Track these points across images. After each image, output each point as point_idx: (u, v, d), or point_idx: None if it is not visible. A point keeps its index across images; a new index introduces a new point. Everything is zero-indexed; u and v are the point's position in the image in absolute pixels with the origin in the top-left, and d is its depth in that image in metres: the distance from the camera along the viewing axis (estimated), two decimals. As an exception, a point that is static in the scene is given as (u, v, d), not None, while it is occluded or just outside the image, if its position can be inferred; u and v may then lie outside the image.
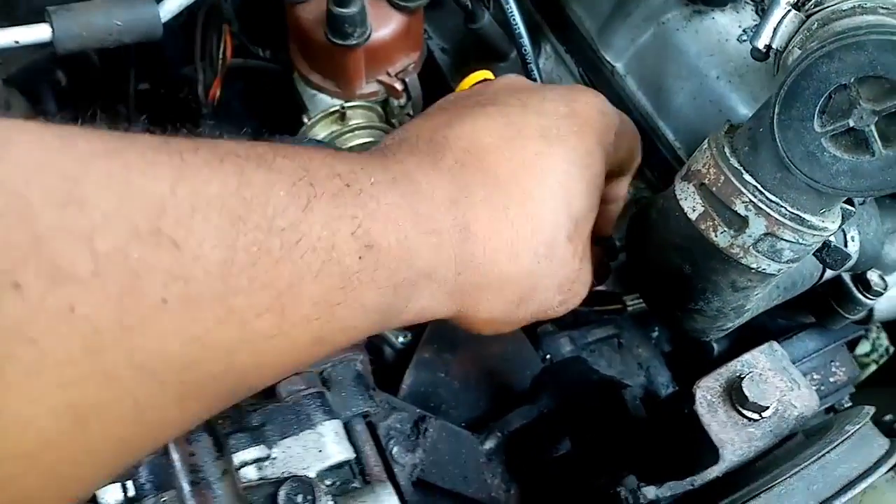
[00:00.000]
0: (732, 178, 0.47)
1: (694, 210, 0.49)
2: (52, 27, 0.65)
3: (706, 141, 0.51)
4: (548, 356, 0.88)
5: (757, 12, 0.77)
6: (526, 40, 0.69)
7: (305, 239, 0.32)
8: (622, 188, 0.64)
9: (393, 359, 0.91)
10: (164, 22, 0.70)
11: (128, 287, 0.25)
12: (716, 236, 0.49)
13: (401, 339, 0.87)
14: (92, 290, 0.24)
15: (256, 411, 0.55)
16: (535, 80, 0.71)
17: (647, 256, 0.56)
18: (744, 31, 0.75)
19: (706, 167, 0.49)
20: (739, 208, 0.47)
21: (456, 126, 0.48)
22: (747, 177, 0.46)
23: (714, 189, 0.48)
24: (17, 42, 0.65)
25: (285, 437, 0.54)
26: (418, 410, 0.71)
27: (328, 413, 0.56)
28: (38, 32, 0.66)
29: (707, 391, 0.57)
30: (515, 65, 0.93)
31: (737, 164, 0.47)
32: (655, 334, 0.95)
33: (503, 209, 0.47)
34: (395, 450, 0.66)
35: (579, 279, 0.54)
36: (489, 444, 0.72)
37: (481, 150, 0.47)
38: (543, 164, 0.48)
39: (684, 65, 0.76)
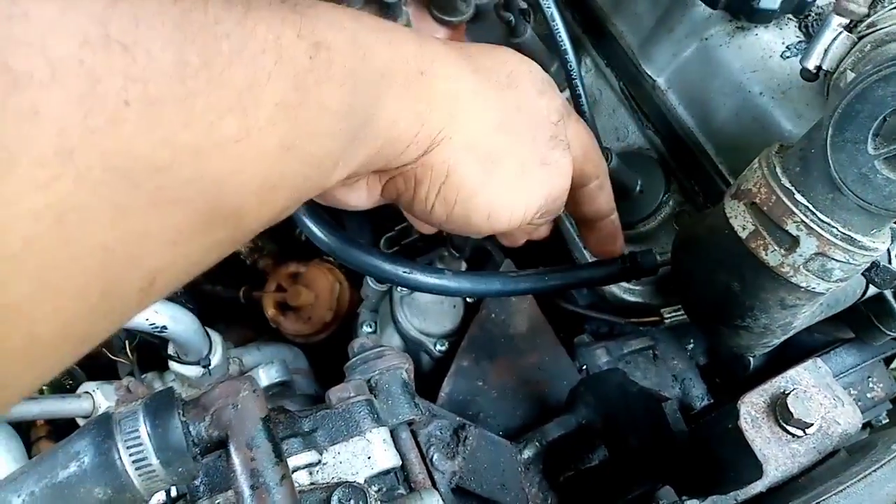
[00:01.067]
0: (784, 198, 0.47)
1: (744, 228, 0.50)
2: None
3: (757, 160, 0.52)
4: (584, 367, 0.88)
5: (800, 28, 0.77)
6: (571, 56, 0.70)
7: (252, 41, 0.32)
8: (599, 199, 0.64)
9: (431, 366, 0.92)
10: None
11: (87, 89, 0.26)
12: (766, 255, 0.49)
13: (439, 346, 0.88)
14: (53, 93, 0.25)
15: (307, 417, 0.56)
16: (579, 95, 0.72)
17: (694, 273, 0.57)
18: (787, 47, 0.75)
19: (757, 186, 0.50)
20: (791, 228, 0.47)
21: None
22: (799, 197, 0.47)
23: (765, 208, 0.49)
24: None
25: (335, 443, 0.56)
26: (458, 418, 0.72)
27: (376, 420, 0.57)
28: None
29: (751, 407, 0.57)
30: (556, 78, 0.94)
31: (788, 184, 0.47)
32: (691, 346, 0.95)
33: (464, 47, 0.51)
34: (435, 456, 0.67)
35: (557, 141, 0.54)
36: (527, 454, 0.73)
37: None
38: (520, 60, 0.54)
39: (727, 81, 0.77)
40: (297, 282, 1.04)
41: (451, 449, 0.70)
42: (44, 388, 0.98)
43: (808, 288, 0.49)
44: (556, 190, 0.55)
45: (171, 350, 0.84)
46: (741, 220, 0.51)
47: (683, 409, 0.92)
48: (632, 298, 0.87)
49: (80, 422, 0.84)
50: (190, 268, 0.34)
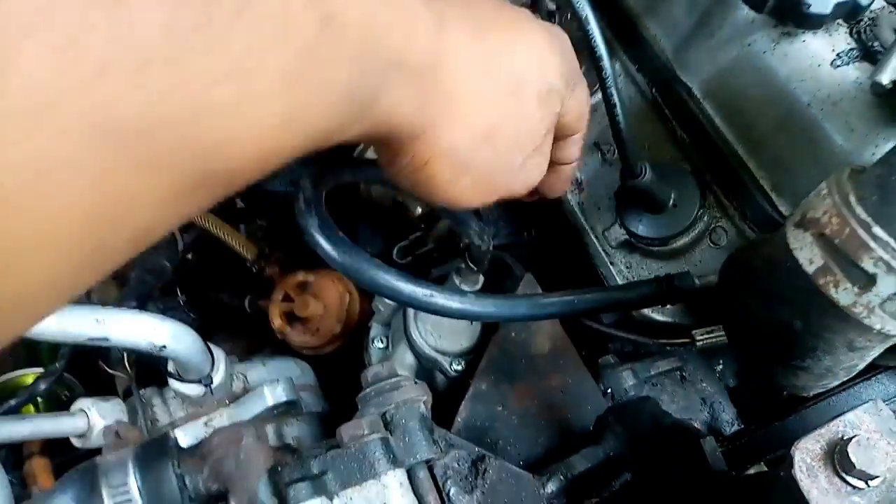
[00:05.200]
0: (860, 231, 0.42)
1: (811, 262, 0.45)
2: None
3: (824, 185, 0.47)
4: (608, 390, 0.83)
5: (851, 35, 0.71)
6: (607, 63, 0.64)
7: (255, 6, 0.31)
8: (573, 149, 0.64)
9: (445, 387, 0.87)
10: None
11: (66, 43, 0.25)
12: (836, 293, 0.44)
13: (455, 366, 0.83)
14: (28, 44, 0.24)
15: (317, 458, 0.51)
16: (613, 105, 0.66)
17: (748, 307, 0.52)
18: (838, 55, 0.70)
19: (827, 216, 0.44)
20: (867, 265, 0.42)
21: None
22: (878, 230, 0.41)
23: (837, 241, 0.43)
24: None
25: (347, 488, 0.51)
26: (477, 449, 0.67)
27: (392, 462, 0.52)
28: None
29: (807, 454, 0.52)
30: (582, 81, 0.88)
31: (865, 216, 0.42)
32: (720, 368, 0.90)
33: (482, 29, 0.49)
34: (452, 490, 0.62)
35: (539, 150, 0.55)
36: (551, 488, 0.68)
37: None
38: (526, 26, 0.52)
39: (771, 90, 0.71)
40: (305, 291, 0.99)
41: (469, 482, 0.65)
42: (39, 401, 0.94)
43: (883, 331, 0.44)
44: (519, 190, 0.57)
45: (170, 367, 0.79)
46: (808, 253, 0.45)
47: (713, 433, 0.87)
48: (661, 318, 0.82)
49: (75, 441, 0.79)
50: (182, 221, 0.34)
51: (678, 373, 0.88)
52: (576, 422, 0.79)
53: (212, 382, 0.78)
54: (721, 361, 0.90)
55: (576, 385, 0.80)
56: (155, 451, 0.40)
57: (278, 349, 1.02)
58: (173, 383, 0.78)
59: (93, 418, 0.78)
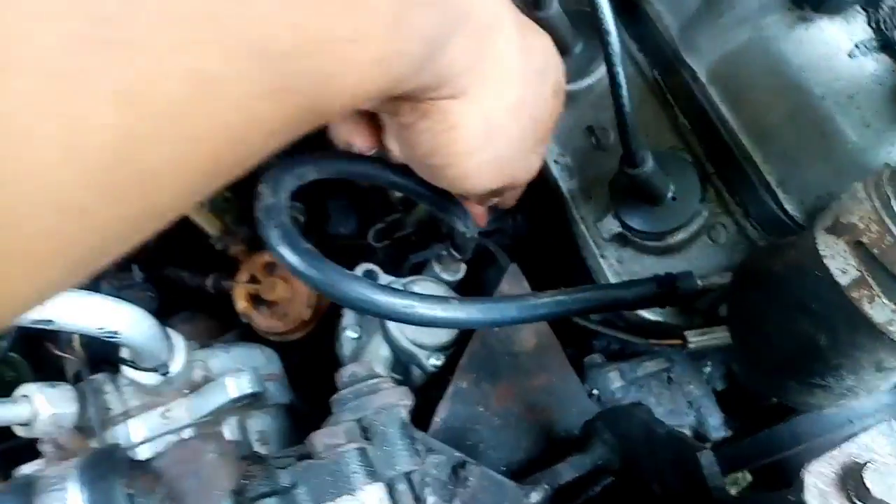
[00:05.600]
0: (904, 241, 0.38)
1: (845, 273, 0.40)
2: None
3: (859, 187, 0.42)
4: (594, 391, 0.79)
5: (870, 24, 0.67)
6: (614, 36, 0.59)
7: None
8: (513, 197, 0.71)
9: (422, 382, 0.82)
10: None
11: None
12: (871, 308, 0.40)
13: (433, 360, 0.78)
14: None
15: (287, 468, 0.46)
16: (619, 86, 0.61)
17: (764, 316, 0.47)
18: (856, 45, 0.65)
19: (864, 222, 0.40)
20: (911, 280, 0.38)
21: None
22: (926, 242, 0.37)
23: (877, 251, 0.39)
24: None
25: (320, 503, 0.45)
26: (457, 454, 0.62)
27: (370, 474, 0.47)
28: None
29: (818, 478, 0.48)
30: (579, 61, 0.83)
31: (911, 225, 0.38)
32: (708, 370, 0.86)
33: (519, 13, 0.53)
34: (430, 500, 0.58)
35: (545, 141, 0.60)
36: (535, 498, 0.63)
37: None
38: (541, 40, 0.57)
39: (783, 79, 0.67)
40: (272, 273, 0.93)
41: (448, 491, 0.61)
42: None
43: (920, 352, 0.40)
44: (520, 179, 0.60)
45: (124, 354, 0.73)
46: (841, 263, 0.41)
47: (698, 438, 0.83)
48: (651, 317, 0.78)
49: (18, 430, 0.73)
50: (253, 163, 0.33)
51: (665, 374, 0.85)
52: (560, 425, 0.74)
53: (168, 372, 0.72)
54: (709, 363, 0.87)
55: (561, 385, 0.76)
56: (102, 468, 0.34)
57: (242, 334, 0.96)
58: (127, 371, 0.72)
59: (38, 405, 0.71)
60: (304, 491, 0.45)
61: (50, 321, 0.59)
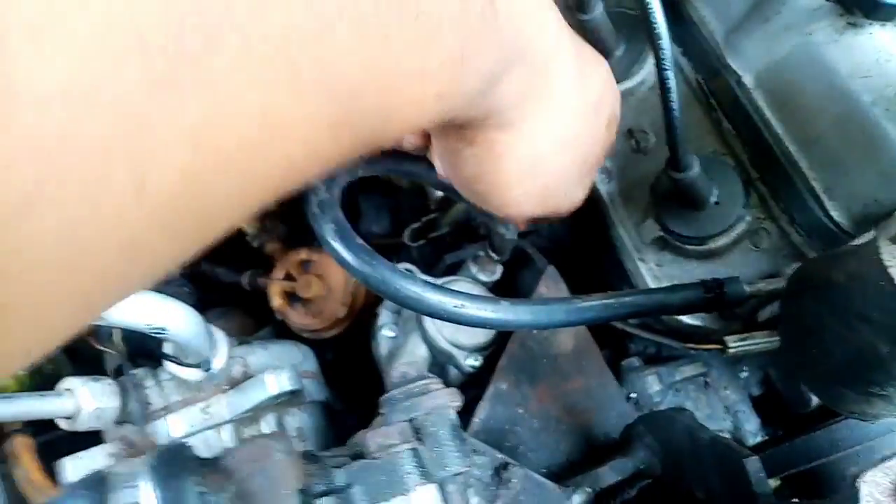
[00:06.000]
0: (976, 253, 0.37)
1: (910, 283, 0.40)
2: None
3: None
4: (632, 395, 0.79)
5: (921, 31, 0.66)
6: (666, 40, 0.59)
7: None
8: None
9: (458, 382, 0.82)
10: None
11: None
12: (936, 319, 0.40)
13: (471, 361, 0.78)
14: None
15: (342, 468, 0.46)
16: (669, 89, 0.61)
17: (822, 325, 0.47)
18: (909, 51, 0.65)
19: (933, 231, 0.40)
20: (982, 291, 0.37)
21: None
22: None
23: (946, 261, 0.39)
24: None
25: (375, 503, 0.46)
26: (499, 455, 0.62)
27: (423, 475, 0.48)
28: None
29: (875, 487, 0.48)
30: (620, 63, 0.83)
31: (982, 235, 0.37)
32: (744, 375, 0.86)
33: (579, 45, 0.52)
34: (474, 501, 0.58)
35: (594, 172, 0.60)
36: (576, 501, 0.64)
37: None
38: (600, 58, 0.58)
39: (831, 85, 0.66)
40: (308, 271, 0.94)
41: (491, 492, 0.61)
42: (22, 375, 0.87)
43: None
44: (564, 208, 0.60)
45: (167, 349, 0.73)
46: (906, 272, 0.40)
47: (735, 442, 0.83)
48: (690, 321, 0.78)
49: (61, 423, 0.73)
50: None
51: (702, 378, 0.84)
52: (599, 428, 0.74)
53: (210, 368, 0.73)
54: (745, 369, 0.86)
55: (599, 388, 0.76)
56: (174, 465, 0.34)
57: (276, 330, 0.97)
58: (170, 367, 0.72)
59: (82, 400, 0.72)
60: (360, 490, 0.45)
61: (99, 317, 0.60)
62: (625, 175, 0.83)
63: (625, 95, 0.83)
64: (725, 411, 0.84)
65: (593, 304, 0.60)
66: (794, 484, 0.83)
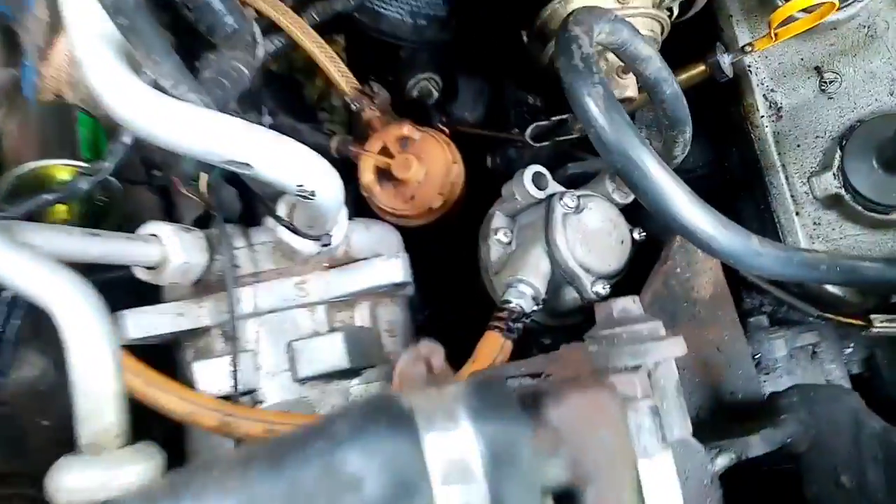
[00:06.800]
0: None
1: None
2: None
3: None
4: (758, 355, 0.74)
5: None
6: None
7: None
8: None
9: (573, 308, 0.75)
10: None
11: None
12: None
13: (598, 287, 0.71)
14: None
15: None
16: None
17: None
18: None
19: None
20: None
21: None
22: None
23: None
24: None
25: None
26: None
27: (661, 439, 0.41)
28: None
29: None
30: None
31: None
32: (849, 351, 0.82)
33: None
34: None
35: None
36: (721, 463, 0.59)
37: None
38: None
39: None
40: (406, 150, 0.83)
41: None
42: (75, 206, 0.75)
43: None
44: None
45: (281, 212, 0.63)
46: None
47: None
48: (835, 291, 0.72)
49: (139, 272, 0.63)
50: None
51: (811, 348, 0.80)
52: (726, 385, 0.69)
53: (329, 243, 0.63)
54: (851, 345, 0.82)
55: (730, 342, 0.70)
56: (499, 410, 0.26)
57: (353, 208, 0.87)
58: (284, 235, 0.63)
59: (170, 250, 0.62)
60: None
61: (247, 165, 0.50)
62: (798, 116, 0.74)
63: (825, 27, 0.73)
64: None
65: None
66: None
